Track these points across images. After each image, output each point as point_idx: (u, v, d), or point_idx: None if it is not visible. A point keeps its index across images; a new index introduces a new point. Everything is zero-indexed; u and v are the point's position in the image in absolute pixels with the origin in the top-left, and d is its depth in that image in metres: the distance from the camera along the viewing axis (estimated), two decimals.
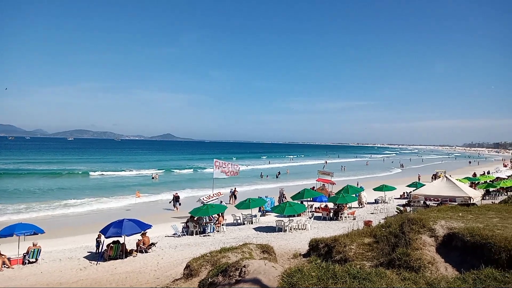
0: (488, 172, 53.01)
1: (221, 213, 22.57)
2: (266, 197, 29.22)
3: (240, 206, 23.93)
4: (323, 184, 36.39)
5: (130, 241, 17.34)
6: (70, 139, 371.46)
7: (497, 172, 51.83)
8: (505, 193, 33.59)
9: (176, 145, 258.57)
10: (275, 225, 21.62)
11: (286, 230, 20.73)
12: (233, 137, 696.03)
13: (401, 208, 23.67)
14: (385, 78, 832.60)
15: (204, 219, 22.13)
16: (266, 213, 26.97)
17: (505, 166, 74.99)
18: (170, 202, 29.63)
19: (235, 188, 34.32)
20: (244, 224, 23.83)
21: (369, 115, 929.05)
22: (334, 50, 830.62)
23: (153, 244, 17.34)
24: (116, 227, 14.18)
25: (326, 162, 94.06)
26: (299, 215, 23.70)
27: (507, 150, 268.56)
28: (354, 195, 26.99)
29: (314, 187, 34.77)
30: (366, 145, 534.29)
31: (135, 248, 16.61)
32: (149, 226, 16.20)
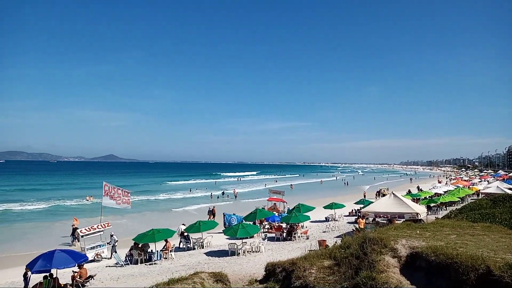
0: (418, 188, 56.38)
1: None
2: (234, 214, 29.26)
3: (189, 229, 22.55)
4: (274, 203, 36.00)
5: (65, 274, 15.35)
6: (1, 161, 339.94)
7: (434, 188, 54.84)
8: (445, 208, 35.50)
9: (117, 167, 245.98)
10: (227, 249, 20.56)
11: (239, 253, 19.76)
12: (180, 157, 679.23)
13: (357, 226, 23.71)
14: (323, 100, 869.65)
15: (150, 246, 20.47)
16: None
17: (439, 182, 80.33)
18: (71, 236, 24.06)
19: (214, 207, 34.50)
20: (194, 248, 22.45)
21: (312, 135, 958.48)
22: (275, 73, 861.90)
23: (91, 276, 15.51)
24: (45, 260, 12.31)
25: (276, 181, 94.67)
26: (252, 236, 22.85)
27: (439, 168, 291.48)
28: (306, 214, 26.69)
29: (265, 206, 34.22)
30: (312, 163, 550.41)
31: (70, 283, 14.69)
32: (85, 258, 14.45)
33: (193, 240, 22.98)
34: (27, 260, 14.00)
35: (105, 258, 20.84)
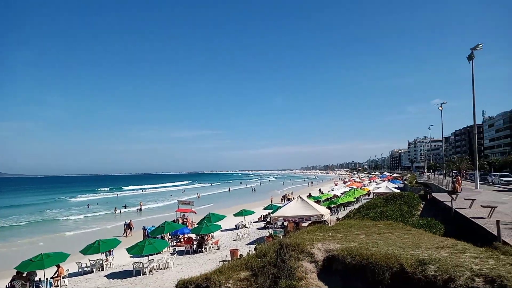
0: (320, 191, 60.39)
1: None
2: (153, 226, 28.35)
3: (87, 250, 20.01)
4: (184, 214, 34.57)
5: None
6: None
7: (332, 190, 59.11)
8: (343, 208, 38.26)
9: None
10: (132, 268, 18.74)
11: (145, 272, 18.15)
12: (79, 170, 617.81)
13: (269, 233, 23.70)
14: (232, 108, 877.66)
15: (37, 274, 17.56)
16: None
17: (336, 184, 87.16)
18: None
19: (130, 220, 33.18)
20: (92, 272, 19.99)
21: (220, 144, 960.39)
22: (185, 82, 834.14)
23: None
24: None
25: (184, 191, 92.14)
26: (159, 252, 21.31)
27: (335, 171, 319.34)
28: (217, 223, 26.04)
29: (175, 219, 32.60)
30: (220, 172, 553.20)
31: None
32: None
33: (91, 262, 20.48)
34: None
35: None
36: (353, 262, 7.54)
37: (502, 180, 40.13)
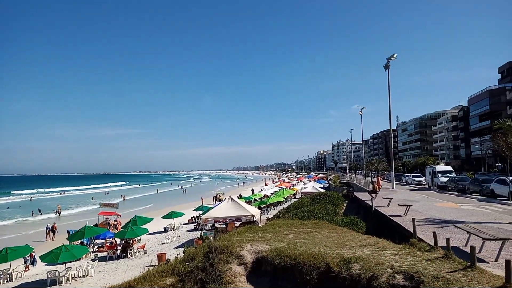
0: (253, 191, 61.19)
1: None
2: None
3: None
4: (107, 218, 32.44)
5: None
6: None
7: (262, 190, 60.13)
8: (273, 208, 39.05)
9: None
10: (46, 277, 17.00)
11: (62, 281, 16.58)
12: None
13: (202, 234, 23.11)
14: (160, 107, 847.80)
15: None
16: None
17: (266, 185, 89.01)
18: None
19: (54, 224, 30.88)
20: None
21: (148, 143, 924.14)
22: (109, 79, 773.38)
23: None
24: None
25: (108, 193, 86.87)
26: (78, 259, 19.65)
27: (265, 172, 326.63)
28: (143, 227, 24.83)
29: (97, 223, 30.44)
30: (148, 172, 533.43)
31: None
32: None
33: None
34: None
35: None
36: (282, 263, 7.56)
37: (414, 180, 44.29)
